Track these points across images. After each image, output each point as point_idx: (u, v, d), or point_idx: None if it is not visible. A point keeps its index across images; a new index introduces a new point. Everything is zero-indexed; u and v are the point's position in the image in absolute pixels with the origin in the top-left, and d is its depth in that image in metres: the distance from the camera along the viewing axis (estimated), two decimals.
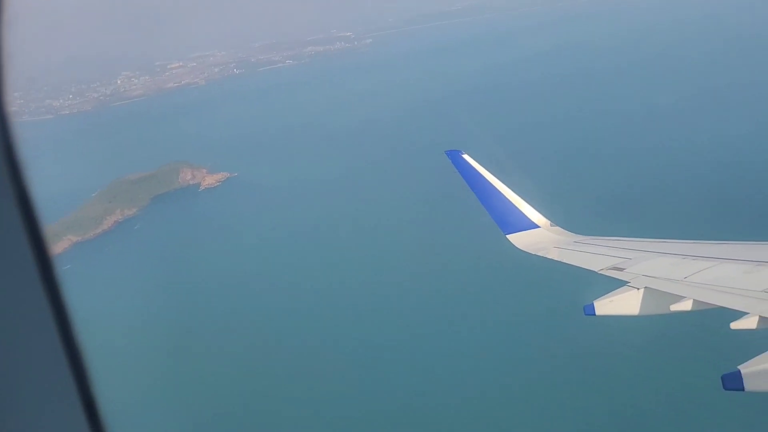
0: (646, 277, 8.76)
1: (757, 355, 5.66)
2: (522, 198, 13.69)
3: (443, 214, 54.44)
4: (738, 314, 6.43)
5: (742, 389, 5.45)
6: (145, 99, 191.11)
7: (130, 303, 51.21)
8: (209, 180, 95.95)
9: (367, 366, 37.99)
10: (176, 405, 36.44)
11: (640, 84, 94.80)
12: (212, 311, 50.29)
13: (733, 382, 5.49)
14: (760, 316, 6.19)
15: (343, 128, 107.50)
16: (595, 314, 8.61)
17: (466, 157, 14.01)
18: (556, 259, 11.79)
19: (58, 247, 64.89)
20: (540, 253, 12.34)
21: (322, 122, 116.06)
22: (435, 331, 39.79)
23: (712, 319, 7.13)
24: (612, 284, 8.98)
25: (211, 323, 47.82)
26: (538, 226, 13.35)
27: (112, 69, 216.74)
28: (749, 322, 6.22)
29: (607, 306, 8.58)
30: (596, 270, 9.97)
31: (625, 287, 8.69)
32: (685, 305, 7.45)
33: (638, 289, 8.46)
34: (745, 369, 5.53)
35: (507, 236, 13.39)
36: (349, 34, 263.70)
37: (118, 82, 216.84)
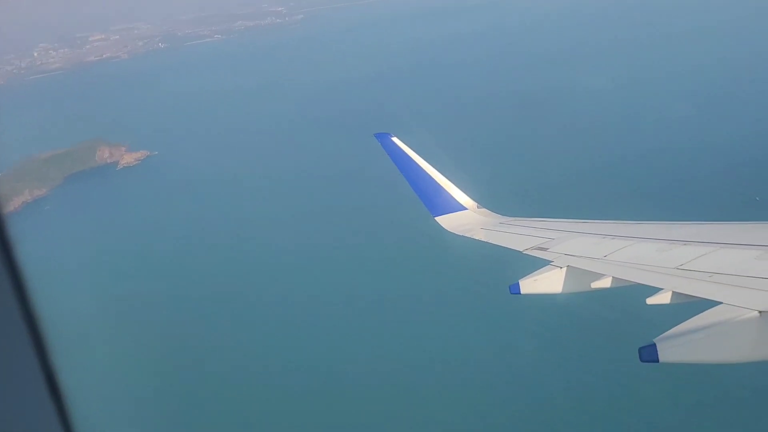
0: (568, 256, 9.05)
1: (671, 328, 5.97)
2: (450, 180, 13.89)
3: (375, 196, 54.46)
4: (653, 290, 6.75)
5: (657, 361, 5.73)
6: (63, 73, 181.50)
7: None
8: (128, 158, 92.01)
9: (286, 353, 37.52)
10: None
11: (565, 66, 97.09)
12: (119, 300, 47.94)
13: (648, 354, 5.77)
14: (673, 292, 6.52)
15: (272, 107, 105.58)
16: (520, 293, 8.86)
17: (395, 139, 14.09)
18: (483, 240, 12.04)
19: None
20: (467, 235, 12.57)
21: (249, 100, 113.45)
22: (366, 311, 39.87)
23: (631, 296, 7.45)
24: (536, 264, 9.24)
25: (117, 312, 45.50)
26: (466, 208, 13.60)
27: (28, 40, 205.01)
28: (663, 297, 6.55)
29: (531, 285, 8.83)
30: (521, 250, 10.23)
31: (548, 266, 8.96)
32: (605, 282, 7.78)
33: (561, 267, 8.73)
34: (659, 342, 5.82)
35: (435, 218, 13.59)
36: (280, 9, 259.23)
37: (35, 54, 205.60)
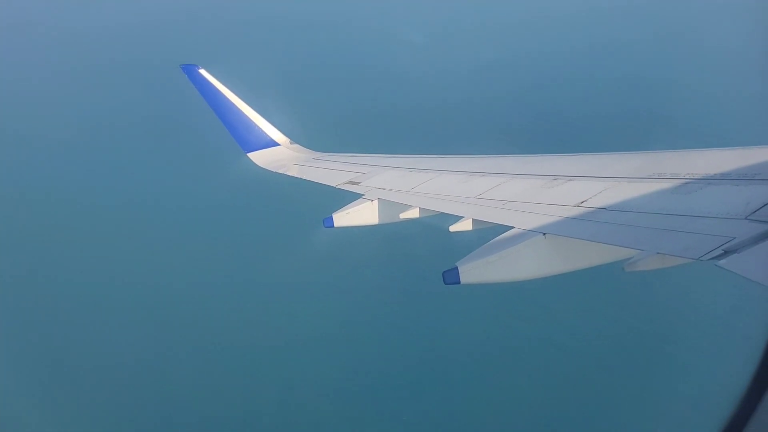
0: (379, 189, 9.49)
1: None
2: (261, 115, 13.67)
3: (178, 130, 51.61)
4: (456, 218, 7.32)
5: (459, 282, 6.28)
6: None
7: None
8: None
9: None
10: None
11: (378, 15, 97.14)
12: None
13: (451, 276, 6.30)
14: (473, 219, 7.12)
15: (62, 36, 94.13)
16: (333, 226, 9.16)
17: (203, 72, 13.49)
18: (296, 175, 12.13)
19: None
20: (280, 171, 12.58)
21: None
22: (181, 255, 37.97)
23: (436, 225, 7.99)
24: (349, 197, 9.53)
25: None
26: (278, 144, 13.54)
27: None
28: (465, 225, 7.15)
29: (344, 218, 9.18)
30: (334, 185, 10.50)
31: (360, 199, 9.35)
32: (413, 213, 8.33)
33: (372, 200, 9.15)
34: (460, 265, 6.36)
35: (247, 154, 13.39)
36: None
37: None
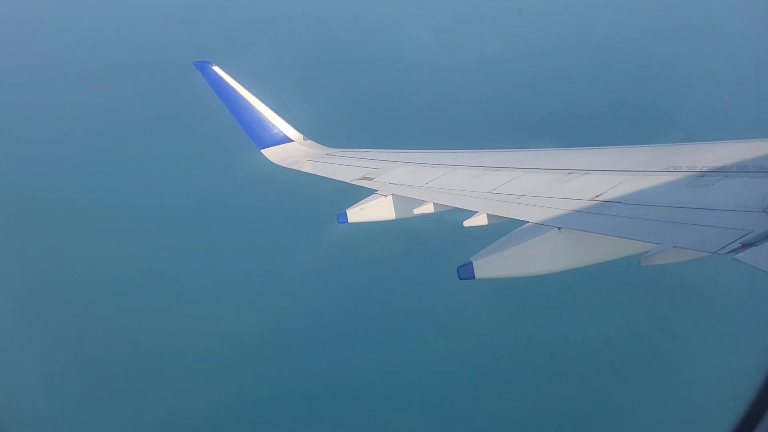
0: (393, 185, 9.51)
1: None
2: (275, 112, 13.72)
3: (192, 129, 51.84)
4: (470, 213, 7.32)
5: (474, 277, 6.27)
6: None
7: None
8: None
9: None
10: None
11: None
12: None
13: (466, 271, 6.30)
14: (487, 214, 7.11)
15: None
16: (347, 222, 9.18)
17: (216, 68, 13.57)
18: (309, 172, 12.16)
19: None
20: (294, 167, 12.62)
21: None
22: (194, 253, 38.23)
23: (451, 220, 7.99)
24: (363, 193, 9.55)
25: None
26: (292, 140, 13.58)
27: None
28: (479, 220, 7.14)
29: (358, 214, 9.20)
30: (348, 181, 10.53)
31: (374, 195, 9.37)
32: (427, 208, 8.34)
33: (386, 196, 9.16)
34: (475, 260, 6.36)
35: (261, 151, 13.45)
36: None
37: None
